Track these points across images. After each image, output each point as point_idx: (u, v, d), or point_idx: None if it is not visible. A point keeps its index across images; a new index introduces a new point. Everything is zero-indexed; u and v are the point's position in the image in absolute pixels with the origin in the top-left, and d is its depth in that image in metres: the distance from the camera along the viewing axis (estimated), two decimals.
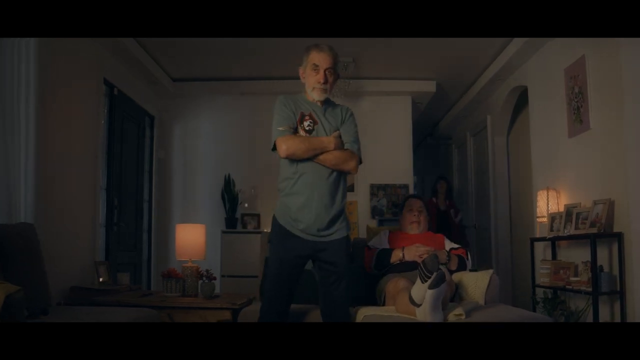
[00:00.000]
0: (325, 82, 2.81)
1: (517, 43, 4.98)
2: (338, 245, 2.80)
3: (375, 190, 6.46)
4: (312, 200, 2.74)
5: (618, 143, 3.75)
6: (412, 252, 3.36)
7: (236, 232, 5.90)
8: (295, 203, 2.77)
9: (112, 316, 2.66)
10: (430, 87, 6.43)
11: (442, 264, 3.28)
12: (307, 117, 2.82)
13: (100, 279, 4.29)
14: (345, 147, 2.84)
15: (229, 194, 6.11)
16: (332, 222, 2.79)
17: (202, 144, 6.58)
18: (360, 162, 2.89)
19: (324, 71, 2.81)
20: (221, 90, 6.44)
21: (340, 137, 2.83)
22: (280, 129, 2.76)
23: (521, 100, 5.99)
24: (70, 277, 4.13)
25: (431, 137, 9.27)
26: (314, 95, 2.84)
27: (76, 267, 4.29)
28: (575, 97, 4.29)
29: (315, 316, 2.99)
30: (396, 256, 3.41)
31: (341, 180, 2.86)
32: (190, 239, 3.78)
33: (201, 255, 3.81)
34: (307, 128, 2.81)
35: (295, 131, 2.78)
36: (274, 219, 2.87)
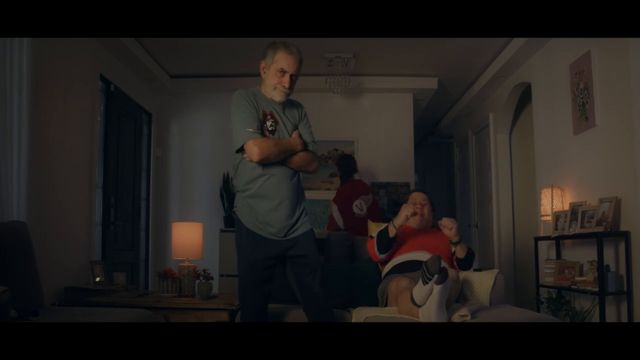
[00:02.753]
0: (291, 87, 2.73)
1: (521, 39, 4.89)
2: (305, 238, 2.75)
3: (376, 188, 6.38)
4: (282, 203, 2.70)
5: (625, 140, 3.67)
6: (403, 213, 3.22)
7: (235, 231, 5.78)
8: (265, 206, 2.70)
9: (104, 317, 2.58)
10: (432, 83, 6.34)
11: (452, 242, 3.20)
12: (269, 117, 2.73)
13: (97, 279, 4.21)
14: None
15: (228, 192, 6.02)
16: (296, 221, 2.76)
17: (200, 142, 6.50)
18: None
19: (290, 76, 2.72)
20: (220, 87, 6.35)
21: (300, 136, 2.80)
22: (250, 130, 2.64)
23: (524, 97, 5.92)
24: (65, 277, 4.06)
25: (432, 136, 9.21)
26: (275, 96, 2.74)
27: (71, 266, 4.21)
28: (581, 94, 4.21)
29: (295, 316, 2.93)
30: (392, 227, 3.26)
31: (299, 180, 2.85)
32: (187, 237, 3.68)
33: (198, 255, 3.71)
34: (270, 128, 2.71)
35: (262, 133, 2.69)
36: (240, 222, 2.80)
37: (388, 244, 3.31)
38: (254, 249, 2.71)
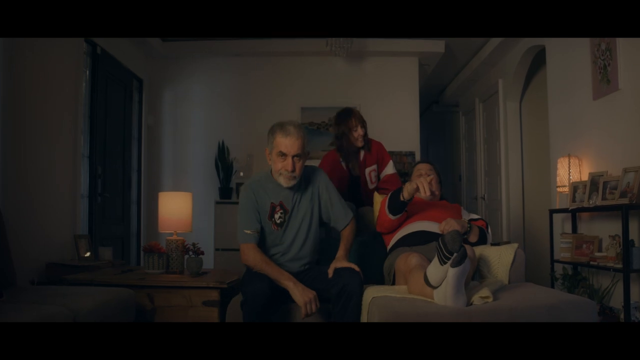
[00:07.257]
0: (294, 169, 2.62)
1: None
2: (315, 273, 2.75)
3: None
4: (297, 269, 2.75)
5: None
6: (413, 182, 2.86)
7: (231, 202, 5.49)
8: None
9: (79, 298, 2.30)
10: (438, 47, 5.99)
11: (461, 233, 2.87)
12: (277, 209, 2.71)
13: (87, 254, 3.94)
14: (343, 224, 2.79)
15: (223, 162, 5.72)
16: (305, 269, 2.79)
17: (194, 109, 6.17)
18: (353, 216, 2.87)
19: (292, 158, 2.61)
20: (214, 50, 6.01)
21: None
22: (247, 232, 2.67)
23: (536, 62, 5.57)
24: (47, 253, 3.79)
25: (437, 105, 8.86)
26: (281, 181, 2.67)
27: (55, 241, 3.93)
28: (602, 55, 3.88)
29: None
30: (407, 190, 2.87)
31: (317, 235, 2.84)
32: (176, 209, 3.37)
33: (187, 227, 3.39)
34: (278, 221, 2.71)
35: (261, 232, 2.70)
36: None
37: (400, 206, 2.95)
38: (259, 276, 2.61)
